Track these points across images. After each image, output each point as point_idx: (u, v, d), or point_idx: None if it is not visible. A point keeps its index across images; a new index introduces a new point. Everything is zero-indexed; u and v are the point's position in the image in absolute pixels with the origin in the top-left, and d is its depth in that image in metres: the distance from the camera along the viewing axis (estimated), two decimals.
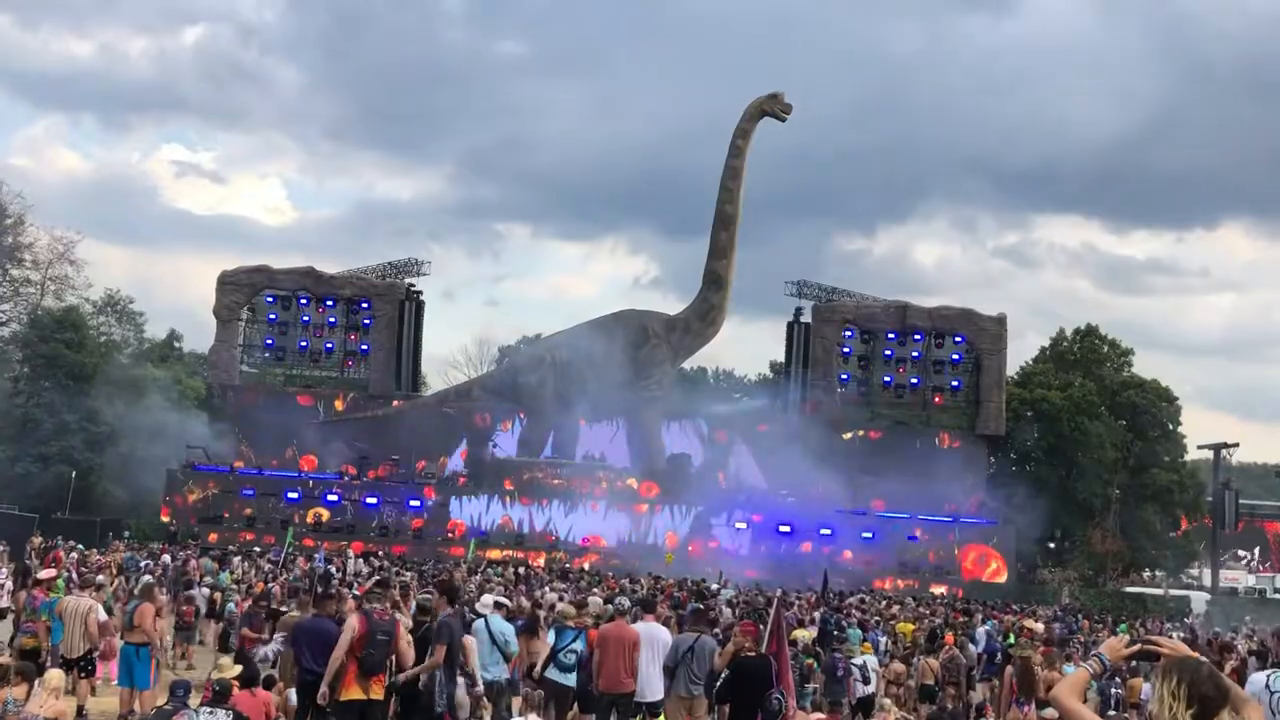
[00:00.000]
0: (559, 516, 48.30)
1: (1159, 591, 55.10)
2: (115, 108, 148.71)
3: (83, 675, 13.41)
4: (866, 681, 15.75)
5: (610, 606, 16.03)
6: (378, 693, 9.54)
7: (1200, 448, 63.01)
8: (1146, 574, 64.59)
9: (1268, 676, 6.81)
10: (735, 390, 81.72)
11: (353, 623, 9.70)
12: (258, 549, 37.04)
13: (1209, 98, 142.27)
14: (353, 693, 9.49)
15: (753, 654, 11.08)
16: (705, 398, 67.46)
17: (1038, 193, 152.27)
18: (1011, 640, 21.54)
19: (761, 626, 12.12)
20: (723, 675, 11.19)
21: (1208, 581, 64.09)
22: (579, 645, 12.22)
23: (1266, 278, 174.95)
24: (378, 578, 15.99)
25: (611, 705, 12.20)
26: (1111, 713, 14.37)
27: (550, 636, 12.99)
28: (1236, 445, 56.96)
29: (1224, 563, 67.03)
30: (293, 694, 11.42)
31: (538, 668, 12.68)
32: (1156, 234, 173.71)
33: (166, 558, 30.23)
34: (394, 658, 9.97)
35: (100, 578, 18.62)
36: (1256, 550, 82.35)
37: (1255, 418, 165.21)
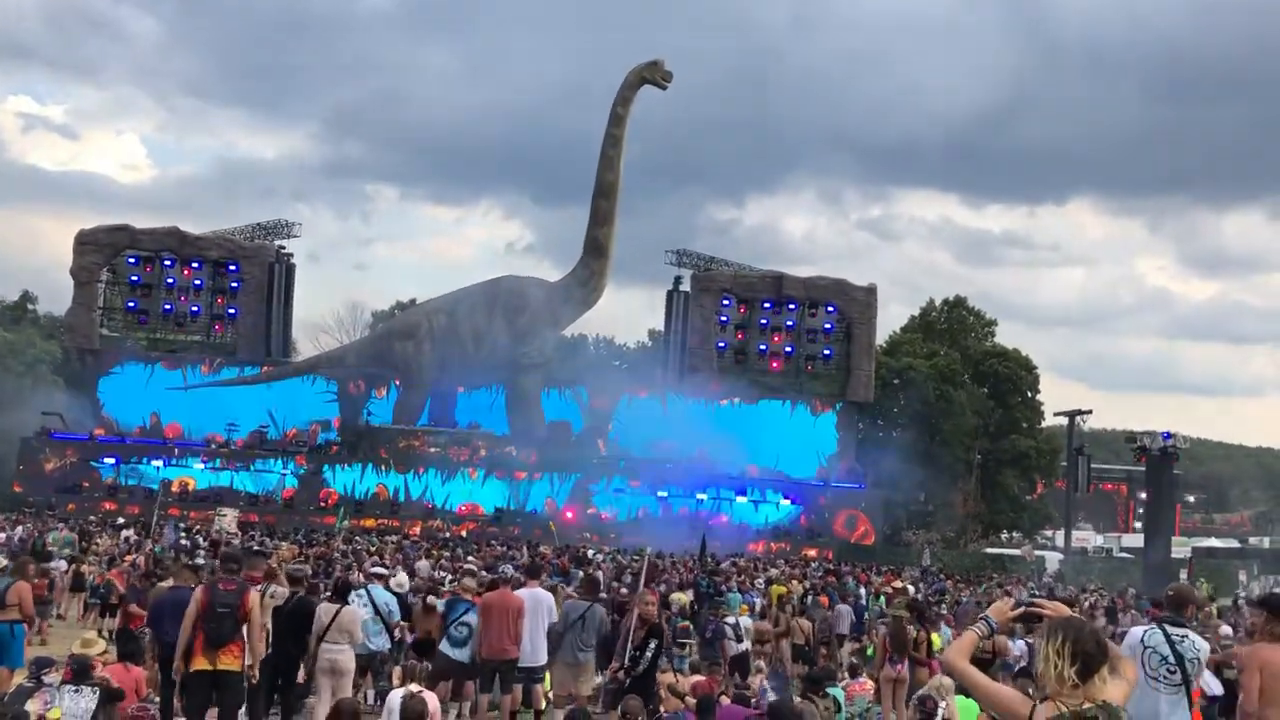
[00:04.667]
0: (436, 485, 47.82)
1: (1018, 552, 57.59)
2: None
3: None
4: (740, 640, 16.04)
5: (488, 575, 15.98)
6: (227, 663, 9.46)
7: (1056, 414, 65.95)
8: (1004, 536, 67.43)
9: (1144, 632, 7.20)
10: (615, 358, 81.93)
11: (197, 595, 9.57)
12: (120, 520, 35.72)
13: (1058, 76, 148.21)
14: (199, 664, 9.44)
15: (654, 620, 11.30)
16: (585, 365, 67.47)
17: (898, 167, 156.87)
18: (881, 601, 22.27)
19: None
20: (639, 642, 11.23)
21: (1060, 542, 67.26)
22: (471, 618, 12.11)
23: (1113, 253, 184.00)
24: (243, 549, 15.58)
25: (494, 672, 12.18)
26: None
27: (441, 608, 12.84)
28: (1090, 412, 59.63)
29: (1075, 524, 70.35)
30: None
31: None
32: (1010, 208, 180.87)
33: (20, 530, 28.90)
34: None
35: None
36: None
37: (1105, 386, 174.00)
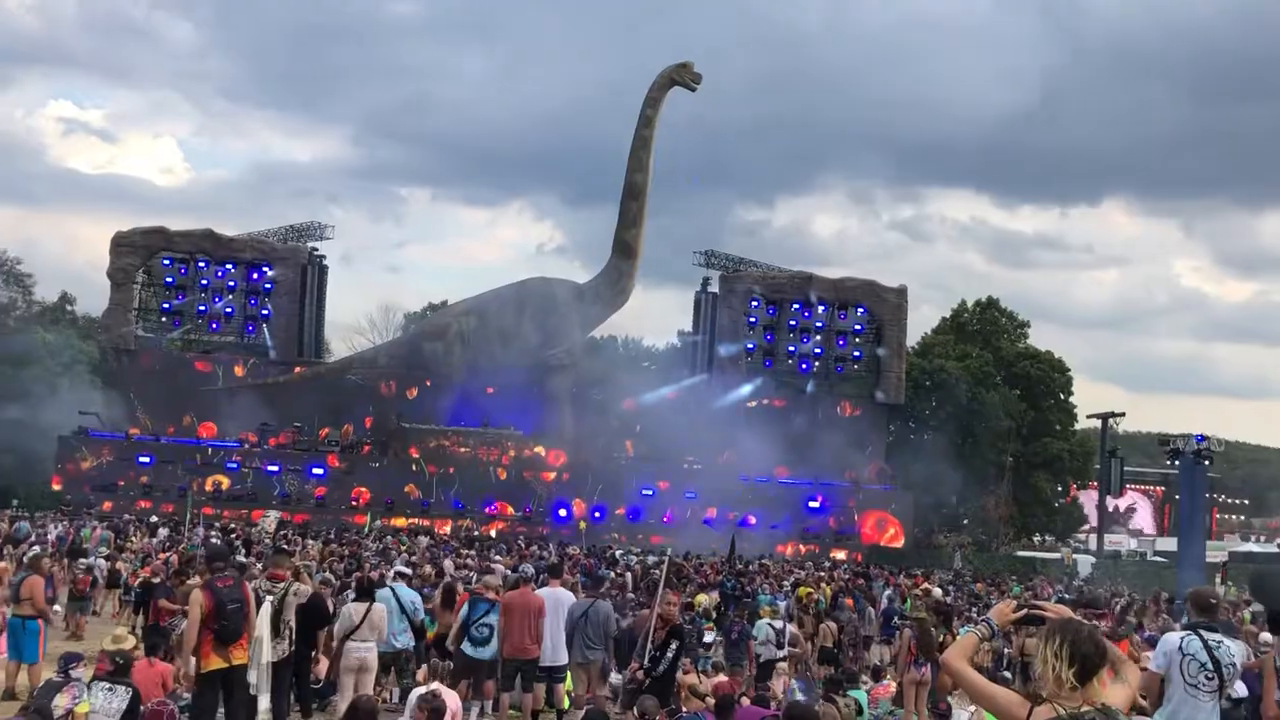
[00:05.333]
0: (465, 484, 48.06)
1: (1055, 556, 57.08)
2: None
3: None
4: (780, 646, 15.91)
5: (511, 574, 16.05)
6: (239, 658, 9.54)
7: (1089, 417, 65.33)
8: (1036, 539, 66.87)
9: (1181, 639, 7.13)
10: (643, 359, 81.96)
11: (198, 598, 9.63)
12: (155, 518, 36.17)
13: (1091, 78, 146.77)
14: (213, 663, 9.52)
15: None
16: (614, 366, 67.59)
17: (930, 167, 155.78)
18: (909, 605, 22.17)
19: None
20: (660, 643, 11.27)
21: (1093, 546, 66.60)
22: (492, 619, 12.16)
23: (1146, 253, 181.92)
24: (279, 547, 15.77)
25: (517, 671, 12.26)
26: (1005, 673, 14.92)
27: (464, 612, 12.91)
28: (1123, 415, 59.14)
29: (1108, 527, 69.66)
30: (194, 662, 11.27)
31: (449, 640, 12.61)
32: (1043, 209, 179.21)
33: (58, 527, 29.36)
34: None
35: None
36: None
37: (1139, 388, 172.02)
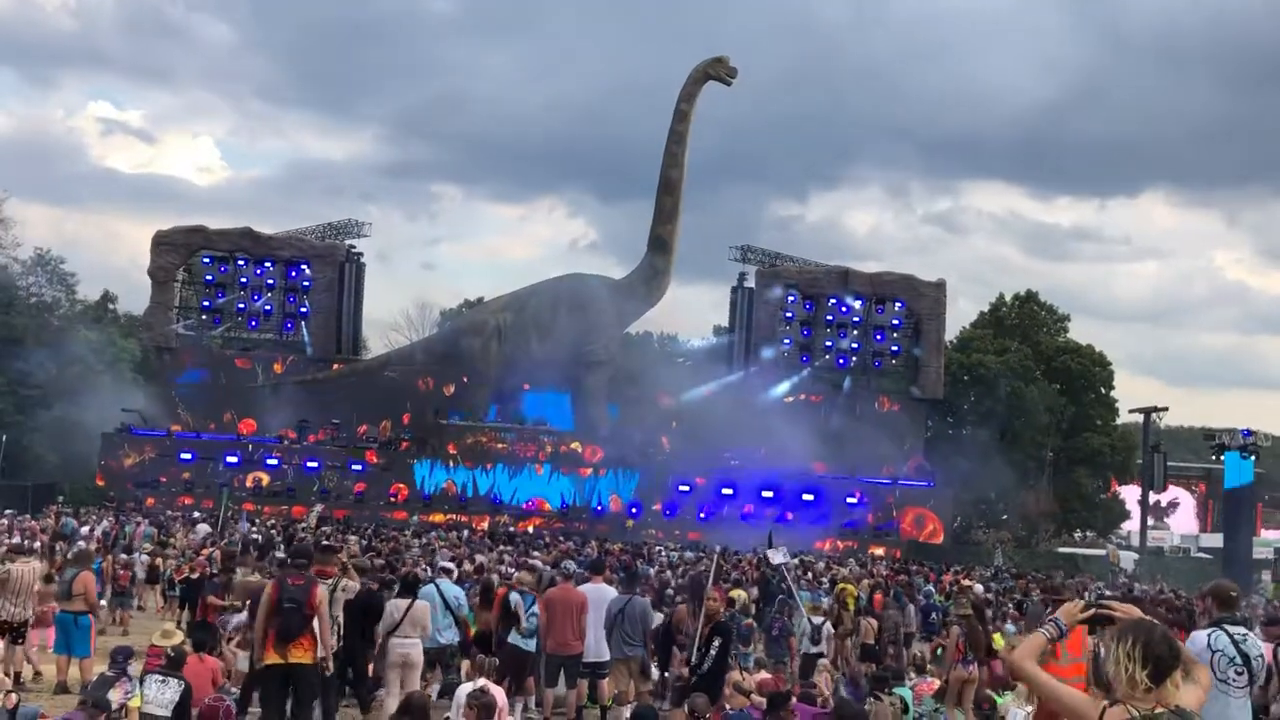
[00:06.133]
0: (503, 480, 48.22)
1: (1097, 552, 56.46)
2: (36, 63, 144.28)
3: (16, 643, 13.17)
4: (817, 642, 15.88)
5: (552, 571, 16.07)
6: (299, 657, 9.59)
7: (1131, 411, 64.56)
8: (1077, 534, 66.15)
9: (1209, 636, 7.04)
10: (679, 355, 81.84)
11: (270, 590, 9.75)
12: (197, 514, 36.56)
13: (1128, 68, 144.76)
14: (270, 658, 9.60)
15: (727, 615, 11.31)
16: (650, 362, 67.53)
17: (964, 159, 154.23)
18: (949, 601, 22.01)
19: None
20: (704, 640, 11.23)
21: (1135, 541, 65.82)
22: (536, 610, 12.25)
23: (1186, 245, 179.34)
24: (324, 544, 15.85)
25: (560, 667, 12.27)
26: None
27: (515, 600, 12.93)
28: (1166, 409, 58.42)
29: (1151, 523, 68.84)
30: (244, 658, 11.36)
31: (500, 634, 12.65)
32: (1080, 201, 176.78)
33: (104, 523, 29.75)
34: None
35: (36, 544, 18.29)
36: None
37: (1181, 382, 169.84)
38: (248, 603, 12.16)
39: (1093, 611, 4.49)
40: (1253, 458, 40.63)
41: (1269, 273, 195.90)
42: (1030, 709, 10.15)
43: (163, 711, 9.27)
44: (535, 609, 12.16)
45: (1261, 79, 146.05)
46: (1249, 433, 40.10)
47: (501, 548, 27.46)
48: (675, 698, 11.17)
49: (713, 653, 11.24)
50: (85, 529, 27.16)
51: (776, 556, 17.76)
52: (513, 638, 12.19)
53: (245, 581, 13.65)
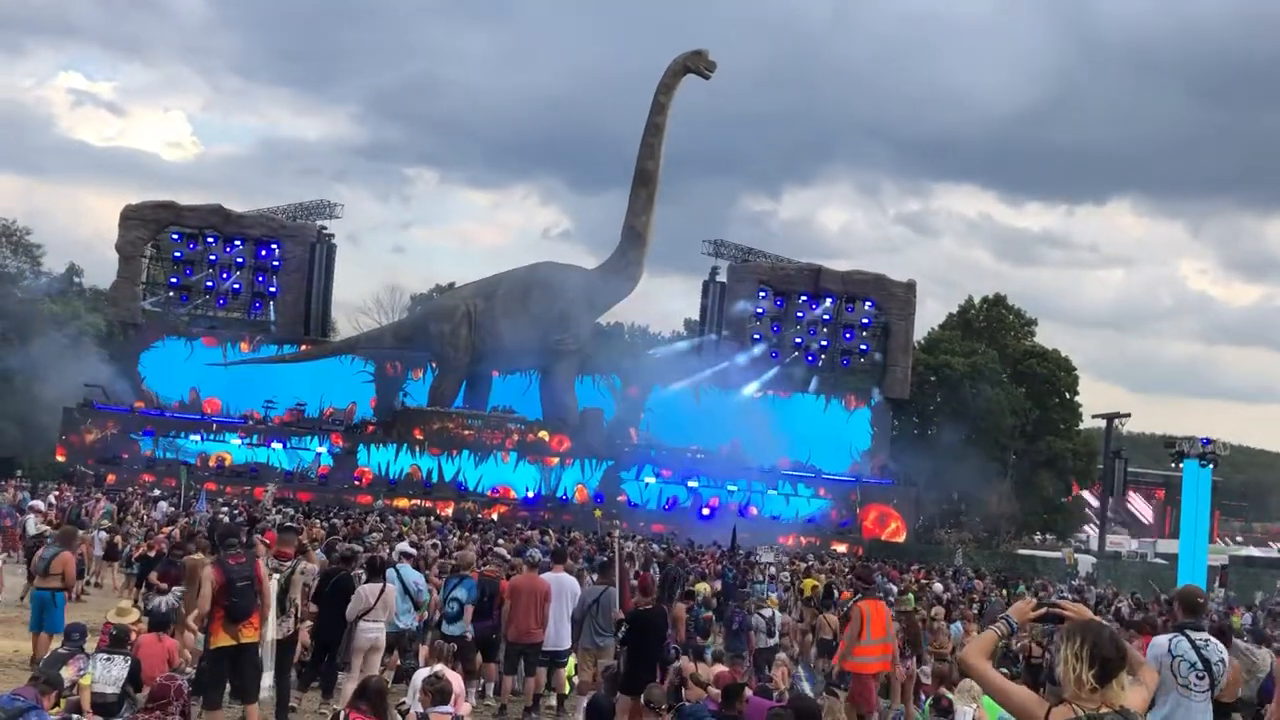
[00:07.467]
0: (469, 467, 48.09)
1: (1055, 554, 57.05)
2: (5, 30, 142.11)
3: None
4: (771, 635, 15.96)
5: (514, 558, 16.05)
6: (248, 636, 9.55)
7: (1094, 417, 65.29)
8: (1037, 537, 66.81)
9: (1170, 641, 7.14)
10: (649, 346, 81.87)
11: (209, 574, 9.64)
12: (158, 491, 36.23)
13: (1101, 76, 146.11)
14: (221, 640, 9.53)
15: (648, 605, 11.25)
16: (620, 353, 67.52)
17: (937, 161, 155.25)
18: (912, 600, 22.17)
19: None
20: (622, 625, 11.32)
21: (1094, 546, 66.56)
22: (460, 594, 12.30)
23: (1152, 254, 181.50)
24: (286, 525, 15.75)
25: (520, 655, 12.28)
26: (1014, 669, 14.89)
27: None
28: (1129, 416, 59.03)
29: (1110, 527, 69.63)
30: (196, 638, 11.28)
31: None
32: (1050, 207, 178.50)
33: (52, 495, 29.45)
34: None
35: None
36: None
37: (1143, 389, 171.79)
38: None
39: (1044, 610, 4.54)
40: (1211, 466, 41.10)
41: (1232, 284, 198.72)
42: (976, 707, 10.23)
43: (110, 689, 9.22)
44: (456, 593, 12.27)
45: (1230, 92, 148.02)
46: (1209, 441, 40.56)
47: (466, 534, 27.38)
48: (609, 686, 11.20)
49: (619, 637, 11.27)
50: (35, 501, 26.82)
51: (766, 555, 17.85)
52: (445, 627, 12.27)
53: (194, 559, 13.55)
